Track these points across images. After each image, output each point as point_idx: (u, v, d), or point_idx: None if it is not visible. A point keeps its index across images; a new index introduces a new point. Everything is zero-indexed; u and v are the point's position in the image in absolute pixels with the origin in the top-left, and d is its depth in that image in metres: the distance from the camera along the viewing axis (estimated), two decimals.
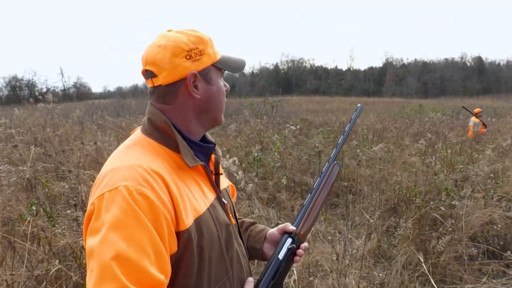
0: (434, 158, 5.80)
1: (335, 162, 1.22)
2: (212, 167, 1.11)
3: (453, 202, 3.76)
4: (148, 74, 1.00)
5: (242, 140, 7.70)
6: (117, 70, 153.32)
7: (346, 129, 1.27)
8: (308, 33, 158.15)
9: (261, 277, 1.03)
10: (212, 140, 1.13)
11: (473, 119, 9.11)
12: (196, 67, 0.98)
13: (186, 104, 1.00)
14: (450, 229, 3.56)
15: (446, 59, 73.86)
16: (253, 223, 1.31)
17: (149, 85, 1.01)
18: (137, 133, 1.04)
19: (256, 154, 5.66)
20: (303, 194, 5.58)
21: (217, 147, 1.14)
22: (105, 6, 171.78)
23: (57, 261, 2.73)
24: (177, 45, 0.97)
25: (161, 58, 0.97)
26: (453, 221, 3.65)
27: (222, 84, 1.07)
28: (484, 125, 9.10)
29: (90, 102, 27.63)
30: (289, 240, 1.10)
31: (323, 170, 1.21)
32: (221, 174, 1.16)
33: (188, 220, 0.90)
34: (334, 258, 3.15)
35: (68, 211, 3.64)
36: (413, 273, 3.46)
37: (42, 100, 10.32)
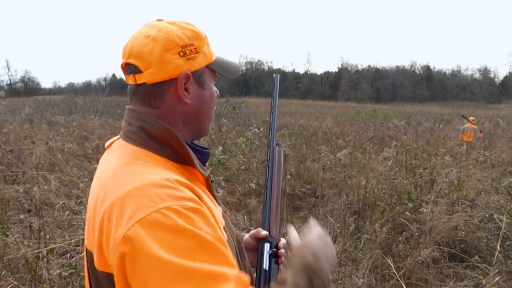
0: (390, 162, 5.97)
1: (275, 143, 1.13)
2: None
3: (420, 209, 3.85)
4: (129, 68, 0.84)
5: (204, 141, 7.55)
6: (68, 65, 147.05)
7: (272, 105, 1.15)
8: (266, 36, 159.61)
9: None
10: (203, 145, 1.01)
11: (469, 125, 9.88)
12: (189, 67, 0.84)
13: (175, 109, 0.86)
14: (417, 233, 3.64)
15: (397, 67, 77.30)
16: None
17: (130, 82, 0.85)
18: (124, 146, 0.86)
19: (220, 157, 5.55)
20: None
21: None
22: None
23: (10, 275, 2.49)
24: (170, 38, 0.82)
25: (149, 51, 0.81)
26: (418, 226, 3.74)
27: (214, 89, 0.94)
28: (480, 131, 10.02)
29: (40, 98, 26.17)
30: (267, 245, 1.02)
31: (268, 157, 1.10)
32: (213, 181, 1.07)
33: (223, 232, 0.79)
34: None
35: (21, 216, 3.36)
36: (381, 277, 3.50)
37: None
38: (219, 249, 0.67)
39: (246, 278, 0.67)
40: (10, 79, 58.39)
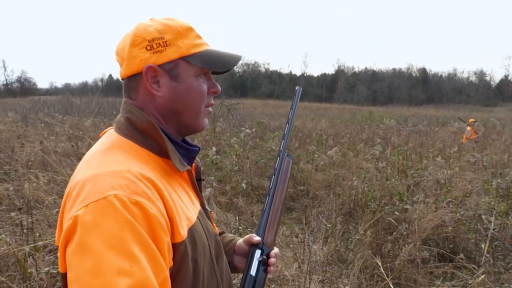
0: (384, 163, 5.99)
1: (286, 154, 1.13)
2: (193, 172, 1.01)
3: (405, 207, 3.88)
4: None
5: (198, 141, 7.55)
6: (65, 65, 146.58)
7: (289, 116, 1.15)
8: (263, 38, 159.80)
9: None
10: (193, 143, 1.02)
11: (468, 128, 10.38)
12: (156, 60, 0.85)
13: (148, 102, 0.88)
14: (405, 233, 3.67)
15: (394, 69, 77.50)
16: (221, 233, 1.22)
17: None
18: (111, 134, 0.90)
19: (213, 157, 5.56)
20: (261, 198, 5.55)
21: None
22: None
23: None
24: (138, 34, 0.86)
25: (122, 47, 0.88)
26: (407, 226, 3.77)
27: (199, 83, 0.90)
28: (476, 132, 10.43)
29: (36, 98, 26.10)
30: (258, 252, 1.03)
31: (276, 166, 1.11)
32: (203, 180, 1.07)
33: (183, 231, 0.80)
34: (297, 266, 3.13)
35: (12, 214, 3.35)
36: (370, 277, 3.52)
37: None
38: (149, 245, 0.70)
39: (153, 283, 0.69)
40: (6, 79, 58.29)
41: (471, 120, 11.01)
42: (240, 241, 1.13)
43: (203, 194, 1.04)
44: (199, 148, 1.00)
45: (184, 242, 0.80)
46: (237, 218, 4.11)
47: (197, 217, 0.90)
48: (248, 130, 7.13)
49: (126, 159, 0.80)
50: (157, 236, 0.72)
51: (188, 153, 0.95)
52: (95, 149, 0.86)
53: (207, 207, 1.01)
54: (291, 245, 3.72)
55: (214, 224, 1.04)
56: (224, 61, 0.93)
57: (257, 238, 1.03)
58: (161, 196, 0.78)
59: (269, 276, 1.07)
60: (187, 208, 0.87)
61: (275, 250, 1.08)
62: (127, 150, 0.83)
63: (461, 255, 3.25)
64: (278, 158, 1.12)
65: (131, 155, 0.82)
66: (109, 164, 0.78)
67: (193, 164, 1.01)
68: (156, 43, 0.85)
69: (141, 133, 0.86)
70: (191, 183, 0.96)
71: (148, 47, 0.85)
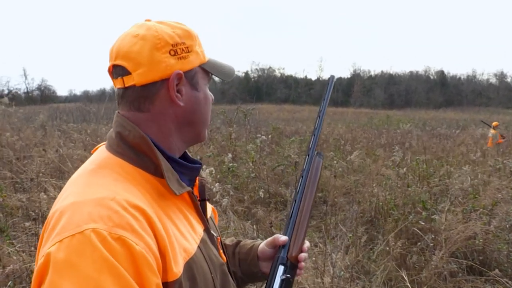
0: (405, 169, 5.81)
1: (316, 152, 1.00)
2: (196, 192, 0.90)
3: (432, 216, 3.70)
4: (117, 71, 0.77)
5: (214, 148, 7.49)
6: (83, 73, 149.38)
7: (321, 108, 1.02)
8: (277, 42, 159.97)
9: None
10: (195, 158, 0.91)
11: (492, 131, 9.90)
12: (181, 66, 0.77)
13: (166, 113, 0.78)
14: (431, 244, 3.49)
15: (411, 72, 76.40)
16: (236, 244, 1.10)
17: (118, 86, 0.78)
18: (101, 151, 0.80)
19: (230, 164, 5.47)
20: (279, 206, 5.43)
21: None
22: (71, 6, 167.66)
23: (13, 285, 2.44)
24: (160, 37, 0.76)
25: (138, 50, 0.75)
26: (433, 236, 3.59)
27: (209, 92, 0.86)
28: (502, 136, 9.84)
29: (55, 105, 26.59)
30: (281, 268, 0.90)
31: (304, 167, 0.98)
32: (208, 200, 0.95)
33: (178, 267, 0.69)
34: (319, 280, 3.00)
35: (27, 224, 3.32)
36: None
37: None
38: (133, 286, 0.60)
39: None
40: (27, 87, 59.70)
41: (495, 123, 10.65)
42: (262, 244, 1.04)
43: (208, 216, 0.92)
44: (201, 165, 0.90)
45: (178, 280, 0.69)
46: (255, 227, 4.00)
47: (198, 247, 0.78)
48: (264, 137, 7.01)
49: (113, 181, 0.70)
50: (143, 277, 0.61)
51: (189, 171, 0.84)
52: (82, 170, 0.76)
53: (213, 231, 0.89)
54: (313, 257, 3.58)
55: (222, 250, 0.92)
56: (227, 70, 0.90)
57: (283, 238, 0.93)
58: (152, 227, 0.67)
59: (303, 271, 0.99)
60: (185, 238, 0.76)
61: (302, 265, 0.96)
62: (116, 170, 0.73)
63: (496, 271, 3.05)
64: (307, 157, 0.99)
65: (120, 176, 0.72)
66: (93, 188, 0.68)
67: (197, 182, 0.90)
68: (180, 49, 0.77)
69: (133, 150, 0.76)
70: (193, 205, 0.84)
71: (172, 52, 0.76)
